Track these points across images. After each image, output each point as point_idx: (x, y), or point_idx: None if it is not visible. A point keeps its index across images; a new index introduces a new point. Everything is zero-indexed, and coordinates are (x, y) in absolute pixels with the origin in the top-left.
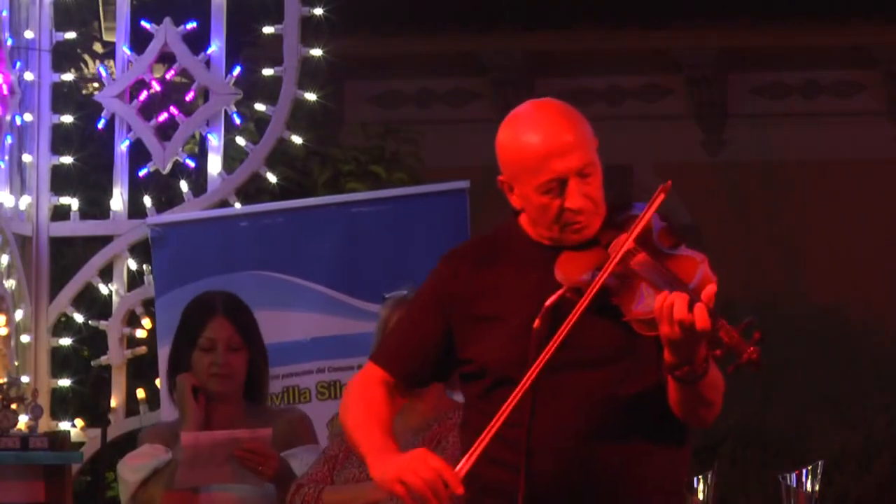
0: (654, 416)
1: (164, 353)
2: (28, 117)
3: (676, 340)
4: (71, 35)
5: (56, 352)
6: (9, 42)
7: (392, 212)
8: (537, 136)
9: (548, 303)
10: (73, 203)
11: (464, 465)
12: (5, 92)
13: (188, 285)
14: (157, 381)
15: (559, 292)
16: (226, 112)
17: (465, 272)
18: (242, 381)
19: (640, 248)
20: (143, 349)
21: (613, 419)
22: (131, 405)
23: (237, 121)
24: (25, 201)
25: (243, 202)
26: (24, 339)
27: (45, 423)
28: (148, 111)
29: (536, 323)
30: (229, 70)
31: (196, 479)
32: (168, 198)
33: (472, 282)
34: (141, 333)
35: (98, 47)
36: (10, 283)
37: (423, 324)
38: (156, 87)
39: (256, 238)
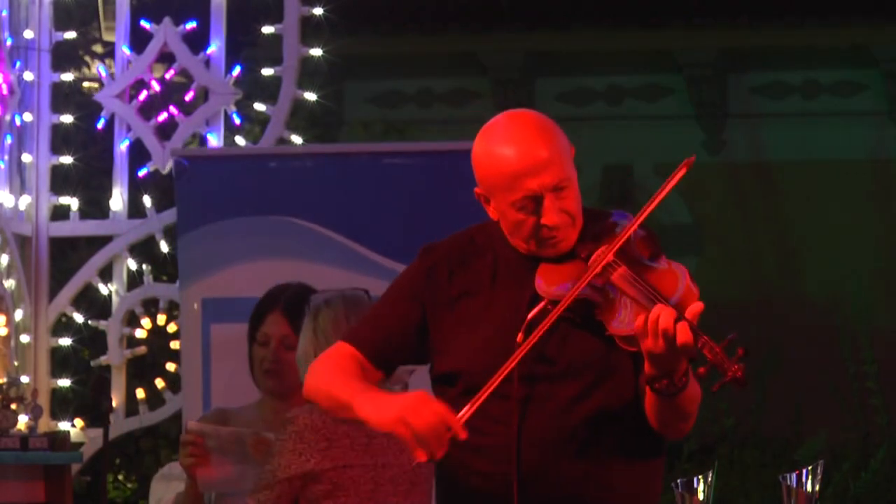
0: (631, 428)
1: (185, 297)
2: (28, 117)
3: (658, 355)
4: (71, 35)
5: (56, 352)
6: (8, 42)
7: (423, 166)
8: (511, 152)
9: (530, 316)
10: (73, 203)
11: (466, 412)
12: (5, 92)
13: (211, 225)
14: (158, 381)
15: (540, 305)
16: (226, 112)
17: (442, 273)
18: (298, 381)
19: (620, 260)
20: (143, 349)
21: (591, 431)
22: (131, 405)
23: (237, 121)
24: (25, 201)
25: None
26: (24, 339)
27: (45, 423)
28: (148, 111)
29: (520, 337)
30: (229, 70)
31: (214, 479)
32: (168, 198)
33: (448, 284)
34: (141, 333)
35: (98, 47)
36: (9, 283)
37: (396, 311)
38: (155, 86)
39: (283, 181)
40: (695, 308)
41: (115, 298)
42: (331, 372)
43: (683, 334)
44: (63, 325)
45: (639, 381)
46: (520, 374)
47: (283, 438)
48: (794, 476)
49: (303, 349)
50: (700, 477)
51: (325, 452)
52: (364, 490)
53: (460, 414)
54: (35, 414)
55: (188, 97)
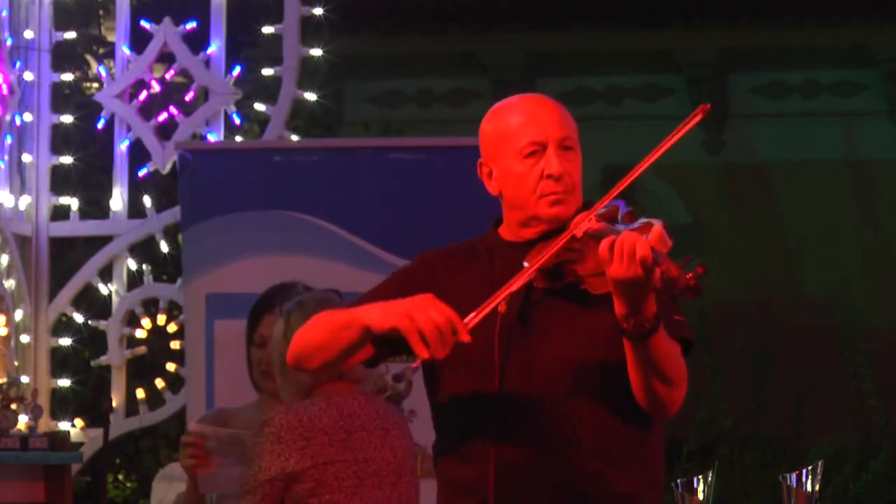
0: (619, 407)
1: (189, 293)
2: (28, 117)
3: (622, 280)
4: (71, 35)
5: (56, 352)
6: (8, 42)
7: (427, 162)
8: (518, 115)
9: (514, 287)
10: (73, 203)
11: (473, 317)
12: (5, 92)
13: (214, 220)
14: (158, 381)
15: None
16: (226, 112)
17: (441, 267)
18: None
19: (600, 222)
20: (143, 349)
21: (579, 397)
22: (131, 405)
23: (237, 121)
24: (25, 201)
25: None
26: (24, 339)
27: (45, 423)
28: (148, 111)
29: (502, 308)
30: (229, 70)
31: (215, 480)
32: (168, 198)
33: (445, 276)
34: (141, 333)
35: (98, 48)
36: (9, 283)
37: (390, 295)
38: (155, 86)
39: (288, 175)
40: (655, 230)
41: (115, 298)
42: (325, 314)
43: (643, 249)
44: (63, 325)
45: (625, 378)
46: (500, 342)
47: (261, 441)
48: (794, 476)
49: (277, 352)
50: (700, 477)
51: (304, 451)
52: (348, 485)
53: (466, 319)
54: (35, 414)
55: (188, 97)
